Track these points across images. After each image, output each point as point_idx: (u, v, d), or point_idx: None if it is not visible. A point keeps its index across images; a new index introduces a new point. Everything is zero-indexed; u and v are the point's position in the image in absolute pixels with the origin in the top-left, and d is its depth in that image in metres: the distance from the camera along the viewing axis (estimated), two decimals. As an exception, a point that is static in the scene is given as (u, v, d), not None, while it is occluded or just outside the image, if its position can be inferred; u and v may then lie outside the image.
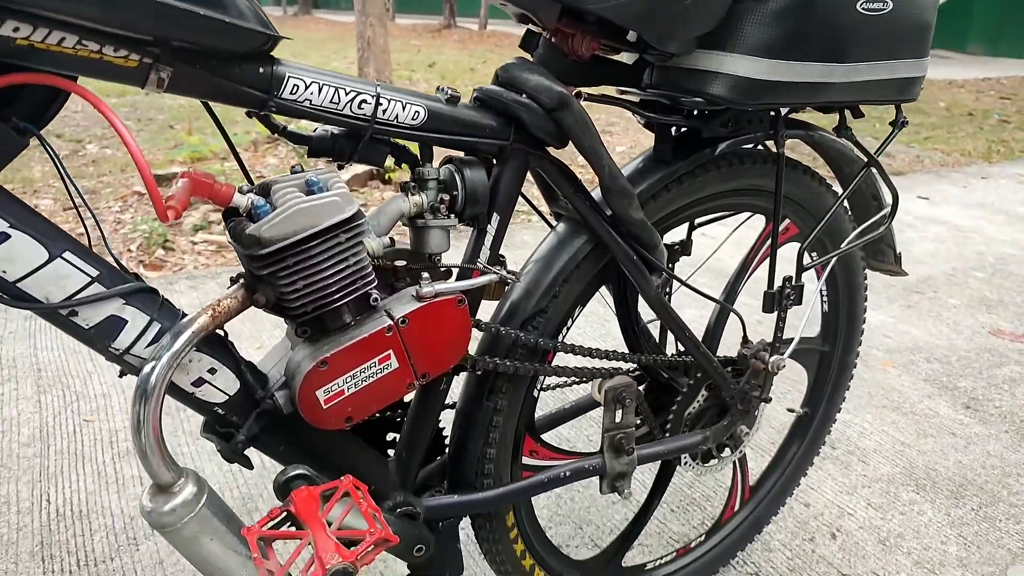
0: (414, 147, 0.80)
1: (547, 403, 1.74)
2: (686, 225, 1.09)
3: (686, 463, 1.12)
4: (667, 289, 1.07)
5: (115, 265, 0.68)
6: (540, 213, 0.99)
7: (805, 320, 1.10)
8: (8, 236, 0.61)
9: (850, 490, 1.63)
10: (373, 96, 0.72)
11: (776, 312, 1.04)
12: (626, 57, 0.92)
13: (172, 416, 1.70)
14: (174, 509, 0.68)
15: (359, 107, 0.72)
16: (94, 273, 0.65)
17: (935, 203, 3.92)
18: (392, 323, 0.75)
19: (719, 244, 1.18)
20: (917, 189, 4.18)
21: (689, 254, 1.15)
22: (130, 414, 0.67)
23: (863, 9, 0.84)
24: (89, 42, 0.58)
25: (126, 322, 0.67)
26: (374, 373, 0.76)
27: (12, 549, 1.31)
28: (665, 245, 1.12)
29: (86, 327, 0.66)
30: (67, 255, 0.64)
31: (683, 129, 0.96)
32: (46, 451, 1.58)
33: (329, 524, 0.68)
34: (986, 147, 5.81)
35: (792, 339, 1.12)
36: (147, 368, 0.66)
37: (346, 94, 0.71)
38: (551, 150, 0.86)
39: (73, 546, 1.32)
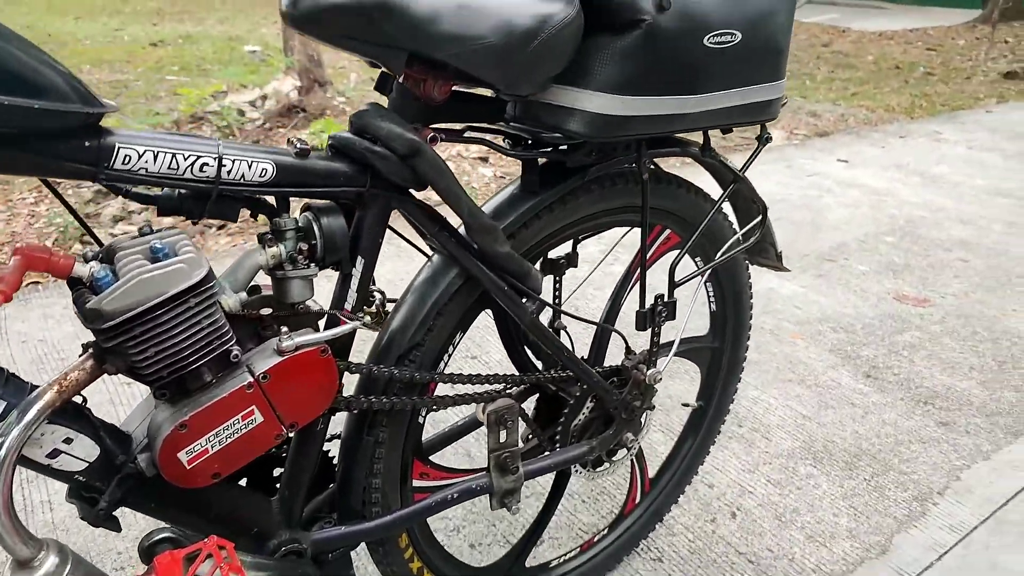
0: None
1: (440, 422, 1.78)
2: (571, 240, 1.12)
3: (577, 471, 1.16)
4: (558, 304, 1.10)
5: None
6: (415, 246, 1.00)
7: (683, 327, 1.14)
8: None
9: (752, 468, 1.71)
10: (215, 158, 0.72)
11: (651, 329, 1.08)
12: (486, 90, 0.93)
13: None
14: (35, 584, 0.68)
15: (200, 170, 0.71)
16: (-73, 359, 0.64)
17: (853, 165, 4.04)
18: (253, 379, 0.76)
19: (597, 264, 1.21)
20: (838, 152, 4.30)
21: (576, 266, 1.18)
22: (-21, 494, 0.66)
23: (710, 43, 0.86)
24: None
25: (-33, 404, 0.66)
26: (238, 429, 0.77)
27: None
28: (551, 259, 1.15)
29: (-76, 413, 0.65)
30: None
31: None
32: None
33: (193, 586, 0.69)
34: (910, 102, 5.98)
35: (672, 344, 1.16)
36: (-6, 446, 0.66)
37: (185, 159, 0.70)
38: (414, 192, 0.87)
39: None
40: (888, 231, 3.16)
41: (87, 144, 0.65)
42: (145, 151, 0.68)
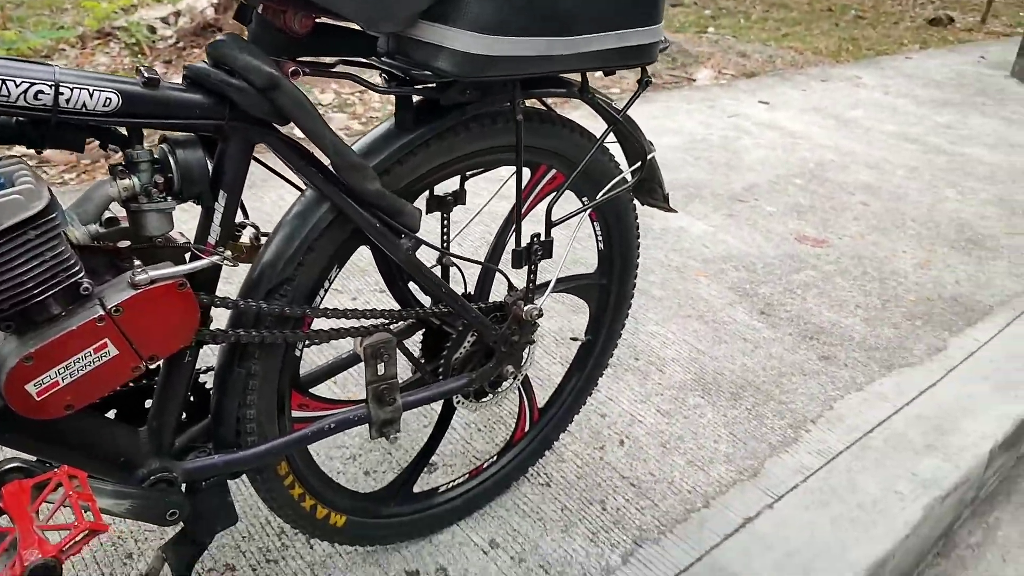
0: (121, 128, 0.78)
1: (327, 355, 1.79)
2: (458, 177, 1.12)
3: (459, 402, 1.20)
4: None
5: None
6: (287, 180, 0.99)
7: (561, 265, 1.18)
8: None
9: (644, 398, 1.80)
10: (51, 85, 0.69)
11: (526, 267, 1.11)
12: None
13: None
14: None
15: (35, 98, 0.69)
16: None
17: (774, 108, 4.12)
18: (104, 313, 0.76)
19: (484, 204, 1.22)
20: (760, 93, 4.36)
21: (464, 203, 1.19)
22: None
23: (579, -16, 0.86)
24: None
25: None
26: (91, 362, 0.77)
27: None
28: (438, 196, 1.16)
29: None
30: None
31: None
32: None
33: (41, 515, 0.70)
34: (837, 45, 6.08)
35: (548, 283, 1.19)
36: None
37: (16, 86, 0.67)
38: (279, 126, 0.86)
39: None
40: (798, 173, 3.26)
41: (-97, 67, 0.62)
42: (-29, 75, 0.65)
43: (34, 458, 0.82)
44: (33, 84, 0.68)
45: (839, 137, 3.75)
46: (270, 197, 2.51)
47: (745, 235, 2.67)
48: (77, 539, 0.69)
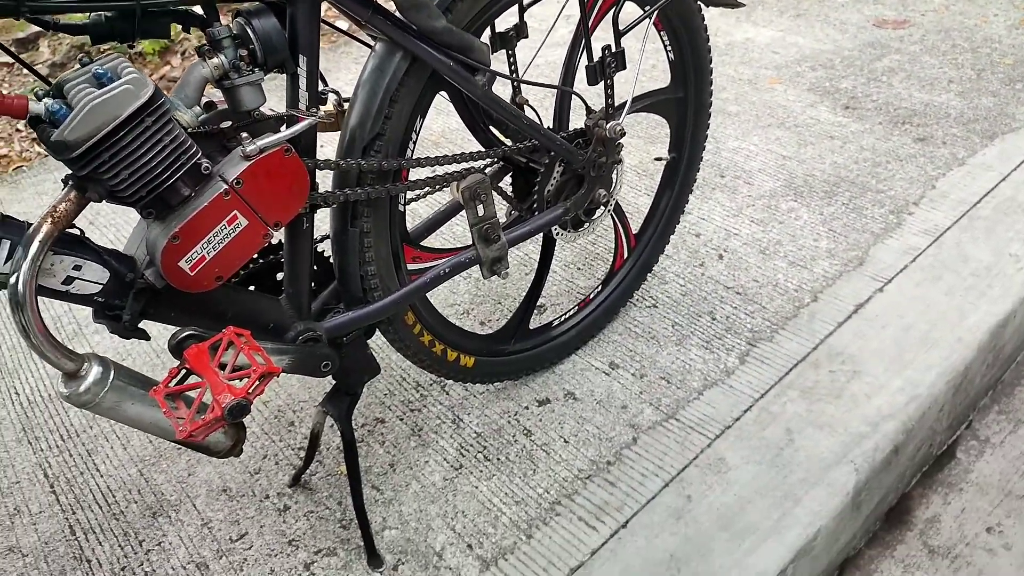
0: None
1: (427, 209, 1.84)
2: (516, 8, 1.11)
3: (559, 234, 1.24)
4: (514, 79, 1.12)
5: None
6: (356, 38, 1.00)
7: (636, 78, 1.16)
8: None
9: (736, 212, 1.79)
10: (129, -27, 0.72)
11: (603, 81, 1.10)
12: None
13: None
14: (88, 389, 0.79)
15: (118, -12, 0.72)
16: (-74, 212, 0.70)
17: None
18: (228, 186, 0.82)
19: (550, 28, 1.20)
20: None
21: (526, 36, 1.18)
22: (13, 323, 0.75)
23: None
24: None
25: (-24, 247, 0.73)
26: (228, 234, 0.84)
27: None
28: (499, 33, 1.15)
29: (-58, 260, 0.72)
30: None
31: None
32: (-1, 351, 1.68)
33: (224, 369, 0.80)
34: None
35: (625, 103, 1.18)
36: (11, 280, 0.74)
37: (99, -22, 0.71)
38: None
39: (53, 425, 1.47)
40: (868, -45, 2.99)
41: (1, -24, 0.66)
42: (59, -25, 0.69)
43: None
44: (113, -26, 0.71)
45: (909, -94, 3.39)
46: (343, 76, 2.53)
47: (817, 32, 2.51)
48: (257, 382, 0.78)
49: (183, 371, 0.81)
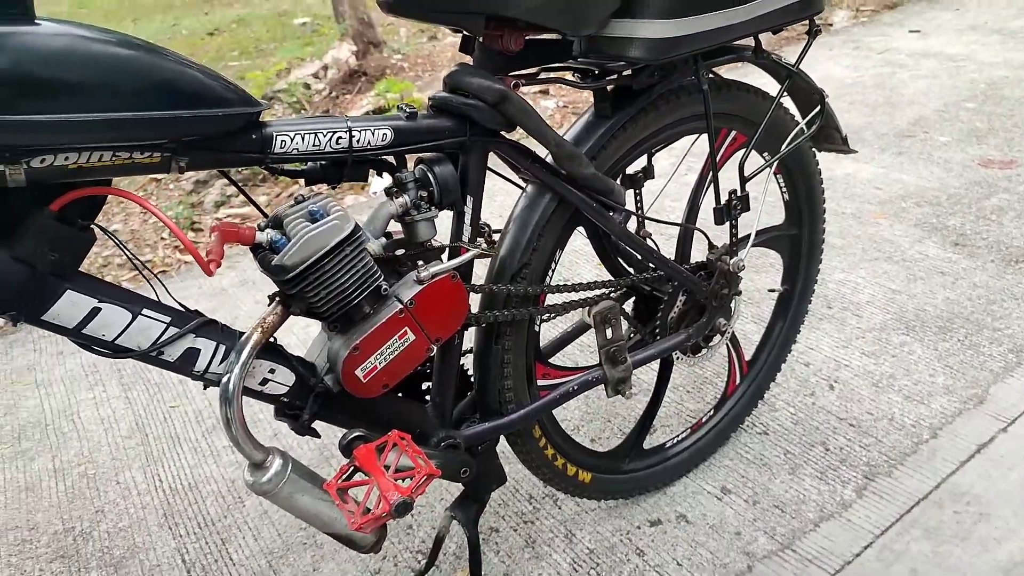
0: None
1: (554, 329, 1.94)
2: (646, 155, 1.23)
3: (679, 358, 1.31)
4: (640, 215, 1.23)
5: (181, 308, 0.87)
6: (511, 180, 1.14)
7: (759, 216, 1.25)
8: (100, 309, 0.80)
9: (845, 343, 1.81)
10: (346, 131, 0.88)
11: (728, 222, 1.20)
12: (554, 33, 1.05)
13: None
14: (269, 479, 0.89)
15: (337, 143, 0.88)
16: (167, 319, 0.84)
17: (926, 34, 3.88)
18: (402, 306, 0.94)
19: (672, 172, 1.32)
20: (908, 23, 4.12)
21: (653, 177, 1.30)
22: (220, 416, 0.87)
23: (750, -46, 0.94)
24: (121, 153, 0.75)
25: (199, 350, 0.86)
26: (398, 347, 0.95)
27: (143, 524, 1.58)
28: (629, 175, 1.28)
29: (172, 360, 0.85)
30: (145, 312, 0.82)
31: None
32: (146, 439, 1.84)
33: (387, 469, 0.89)
34: (985, -46, 5.58)
35: (749, 235, 1.27)
36: (224, 379, 0.86)
37: (324, 136, 0.87)
38: (505, 133, 1.01)
39: (192, 513, 1.59)
40: (968, 97, 3.07)
41: (254, 136, 0.82)
42: (295, 135, 0.85)
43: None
44: (335, 133, 0.87)
45: (1007, 51, 3.48)
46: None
47: (921, 170, 2.57)
48: (420, 482, 0.87)
49: (352, 468, 0.91)
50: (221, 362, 0.88)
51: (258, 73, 5.06)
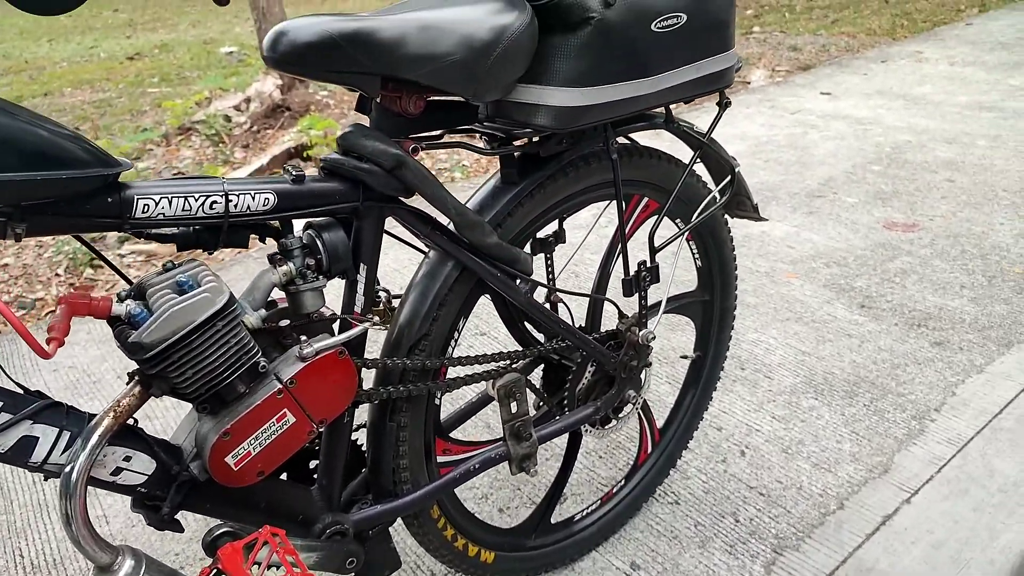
0: (274, 221, 0.88)
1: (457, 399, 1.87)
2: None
3: (587, 431, 1.25)
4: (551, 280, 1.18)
5: (18, 390, 0.76)
6: (412, 245, 1.08)
7: (668, 288, 1.23)
8: (-89, 395, 0.68)
9: (757, 407, 1.80)
10: (222, 195, 0.80)
11: (637, 294, 1.16)
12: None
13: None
14: (118, 585, 0.78)
15: (211, 207, 0.79)
16: (-1, 404, 0.73)
17: (836, 96, 4.07)
18: (281, 385, 0.85)
19: (582, 240, 1.29)
20: (820, 84, 4.32)
21: (564, 241, 1.26)
22: (59, 511, 0.76)
23: (658, 28, 0.92)
24: (-57, 218, 0.65)
25: (37, 439, 0.75)
26: (275, 431, 0.86)
27: (-3, 606, 1.41)
28: (540, 239, 1.23)
29: (2, 451, 0.74)
30: (-30, 396, 0.71)
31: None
32: (10, 507, 1.66)
33: (258, 567, 0.79)
34: (891, 23, 5.96)
35: (660, 304, 1.24)
36: (66, 471, 0.76)
37: (196, 200, 0.78)
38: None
39: (54, 593, 1.42)
40: (874, 159, 3.21)
41: (110, 200, 0.73)
42: (160, 198, 0.76)
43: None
44: (208, 196, 0.79)
45: (910, 116, 3.67)
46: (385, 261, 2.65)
47: (830, 230, 2.64)
48: (290, 589, 0.78)
49: (215, 571, 0.81)
50: (64, 451, 0.77)
51: (176, 102, 4.88)
